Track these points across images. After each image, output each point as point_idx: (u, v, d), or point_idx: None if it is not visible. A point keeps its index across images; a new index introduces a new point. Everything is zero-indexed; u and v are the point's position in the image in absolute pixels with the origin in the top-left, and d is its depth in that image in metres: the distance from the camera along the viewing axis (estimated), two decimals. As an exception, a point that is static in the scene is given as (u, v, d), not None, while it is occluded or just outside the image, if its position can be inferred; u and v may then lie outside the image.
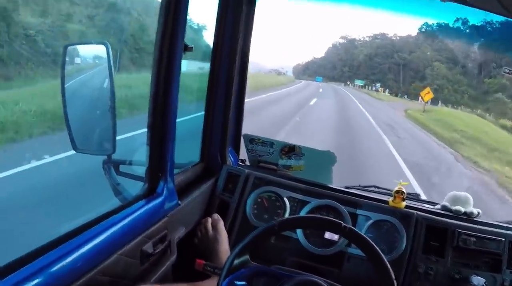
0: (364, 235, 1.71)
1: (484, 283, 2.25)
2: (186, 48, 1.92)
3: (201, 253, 2.30)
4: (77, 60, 2.08)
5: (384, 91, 60.35)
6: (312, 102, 28.35)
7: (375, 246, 1.68)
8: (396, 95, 59.51)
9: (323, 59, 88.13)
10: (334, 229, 1.85)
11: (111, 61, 1.83)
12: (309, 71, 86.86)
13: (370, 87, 63.96)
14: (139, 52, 16.75)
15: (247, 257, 1.66)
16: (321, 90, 48.06)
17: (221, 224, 2.43)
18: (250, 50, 2.72)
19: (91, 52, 2.14)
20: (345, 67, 78.82)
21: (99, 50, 1.91)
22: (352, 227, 1.69)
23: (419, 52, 66.66)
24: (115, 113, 1.83)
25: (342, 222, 1.68)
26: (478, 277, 2.28)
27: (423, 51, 66.07)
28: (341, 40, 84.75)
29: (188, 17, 1.89)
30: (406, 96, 58.89)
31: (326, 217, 2.25)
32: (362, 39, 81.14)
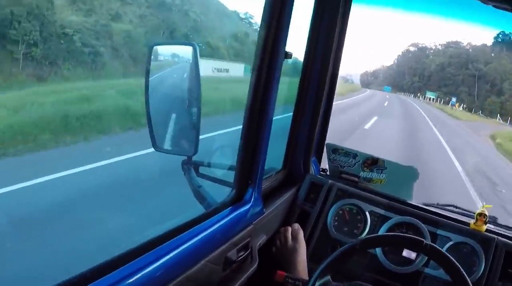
0: (447, 253, 1.65)
1: None
2: (287, 55, 1.89)
3: (278, 262, 2.27)
4: (160, 57, 2.06)
5: (459, 106, 53.39)
6: (368, 125, 19.71)
7: (457, 264, 1.63)
8: (470, 111, 53.77)
9: (392, 67, 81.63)
10: (416, 247, 1.80)
11: (198, 62, 1.82)
12: (378, 79, 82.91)
13: (441, 101, 58.65)
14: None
15: (328, 278, 1.63)
16: (386, 103, 42.19)
17: (301, 235, 2.38)
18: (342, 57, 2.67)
19: (178, 52, 2.12)
20: (415, 77, 72.55)
21: (186, 50, 1.89)
22: (434, 245, 1.65)
23: (495, 63, 59.39)
24: (200, 114, 1.81)
25: (424, 240, 1.64)
26: None
27: (501, 63, 58.72)
28: (412, 48, 78.43)
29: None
30: (480, 112, 53.83)
31: (408, 235, 2.21)
32: (434, 47, 74.40)
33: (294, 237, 2.35)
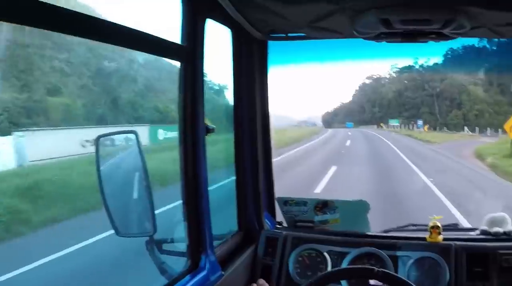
0: (397, 274, 1.74)
1: None
2: (208, 130, 2.04)
3: None
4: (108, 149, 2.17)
5: (425, 127, 54.29)
6: (319, 188, 13.63)
7: (405, 279, 1.72)
8: (435, 129, 54.94)
9: (351, 103, 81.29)
10: (368, 275, 1.85)
11: (141, 146, 1.93)
12: (338, 117, 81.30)
13: (408, 126, 59.98)
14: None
15: None
16: (348, 142, 34.55)
17: None
18: (270, 111, 2.82)
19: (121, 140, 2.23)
20: (374, 107, 73.29)
21: (128, 138, 2.01)
22: (385, 270, 1.71)
23: (450, 79, 61.68)
24: (151, 193, 1.89)
25: (375, 268, 1.70)
26: None
27: (454, 78, 61.10)
28: (367, 81, 79.74)
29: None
30: (445, 127, 55.58)
31: (356, 266, 2.36)
32: (388, 75, 75.99)
33: None
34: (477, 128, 48.84)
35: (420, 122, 57.66)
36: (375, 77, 77.84)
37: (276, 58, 2.88)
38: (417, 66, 68.25)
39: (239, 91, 2.65)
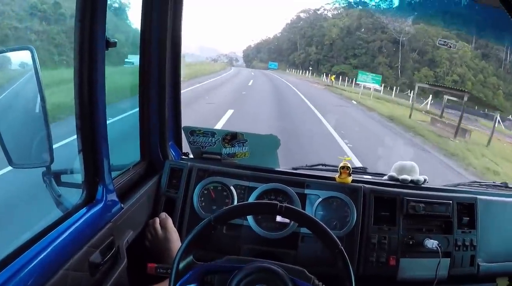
0: (299, 209, 1.74)
1: (438, 244, 2.36)
2: (109, 44, 1.81)
3: (153, 255, 2.27)
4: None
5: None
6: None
7: (309, 215, 1.71)
8: (391, 90, 39.02)
9: (278, 39, 66.58)
10: (271, 211, 1.80)
11: (38, 66, 1.73)
12: (261, 55, 67.95)
13: (349, 81, 41.62)
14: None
15: (190, 258, 1.63)
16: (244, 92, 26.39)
17: (169, 223, 2.39)
18: (184, 39, 2.64)
19: (16, 58, 2.05)
20: (310, 46, 57.43)
21: (24, 55, 1.83)
22: (288, 205, 1.67)
23: (425, 24, 45.42)
24: (48, 120, 1.75)
25: (278, 203, 1.66)
26: (431, 240, 2.39)
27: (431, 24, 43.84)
28: (303, 15, 64.16)
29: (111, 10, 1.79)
30: (410, 91, 37.10)
31: (261, 201, 2.36)
32: (333, 10, 59.47)
33: (163, 227, 2.35)
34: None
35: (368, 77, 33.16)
36: (314, 10, 63.35)
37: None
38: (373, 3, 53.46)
39: (148, 12, 2.45)
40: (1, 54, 2.00)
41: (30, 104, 1.82)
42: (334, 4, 60.87)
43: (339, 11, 59.02)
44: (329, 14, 61.30)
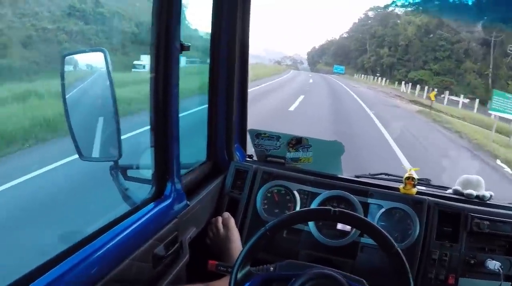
0: (357, 214, 1.71)
1: (500, 266, 2.24)
2: (183, 48, 1.89)
3: (213, 253, 2.32)
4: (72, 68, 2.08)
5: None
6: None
7: (364, 218, 1.70)
8: (484, 105, 28.88)
9: (346, 39, 57.27)
10: (325, 216, 1.83)
11: (110, 67, 1.81)
12: (325, 57, 60.09)
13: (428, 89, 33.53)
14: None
15: (248, 268, 1.64)
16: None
17: (232, 222, 2.43)
18: (251, 41, 2.68)
19: (89, 59, 2.14)
20: (382, 48, 48.98)
21: (97, 57, 1.90)
22: (343, 209, 1.67)
23: None
24: (119, 118, 1.82)
25: (332, 208, 1.66)
26: (494, 261, 2.27)
27: None
28: (371, 13, 55.98)
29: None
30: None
31: (314, 208, 2.33)
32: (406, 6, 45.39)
33: (226, 226, 2.40)
34: None
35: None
36: (383, 7, 52.69)
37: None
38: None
39: (219, 14, 2.52)
40: (75, 55, 2.10)
41: (100, 102, 1.90)
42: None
43: (414, 8, 46.35)
44: (402, 11, 51.40)
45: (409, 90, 37.86)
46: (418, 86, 37.31)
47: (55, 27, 10.50)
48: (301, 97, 23.44)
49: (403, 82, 40.78)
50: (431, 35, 44.87)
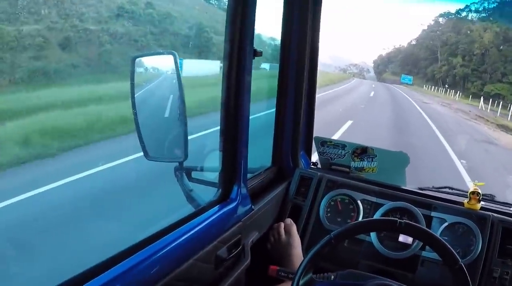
0: (423, 226, 1.67)
1: None
2: (256, 53, 1.91)
3: (274, 258, 2.32)
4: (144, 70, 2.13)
5: None
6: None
7: (435, 234, 1.64)
8: None
9: (414, 47, 53.72)
10: (391, 228, 1.81)
11: (179, 70, 1.87)
12: (392, 66, 55.48)
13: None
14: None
15: (310, 276, 1.63)
16: None
17: (294, 229, 2.42)
18: (320, 48, 2.68)
19: (159, 62, 2.18)
20: (455, 57, 44.08)
21: (167, 60, 1.94)
22: (409, 221, 1.64)
23: None
24: (186, 120, 1.85)
25: (398, 219, 1.63)
26: None
27: None
28: (441, 19, 50.74)
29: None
30: None
31: (381, 218, 2.32)
32: (480, 10, 44.04)
33: (287, 232, 2.39)
34: None
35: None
36: (454, 12, 47.64)
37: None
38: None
39: (289, 21, 2.54)
40: (147, 57, 2.14)
41: (168, 103, 1.93)
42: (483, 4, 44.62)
43: (489, 13, 44.44)
44: (475, 17, 46.86)
45: (489, 107, 33.00)
46: (500, 104, 33.01)
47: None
48: (349, 123, 16.24)
49: (481, 98, 35.81)
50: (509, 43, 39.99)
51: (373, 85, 40.84)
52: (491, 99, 34.59)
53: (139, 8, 12.85)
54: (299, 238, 2.40)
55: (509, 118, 27.67)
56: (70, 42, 9.10)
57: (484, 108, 32.74)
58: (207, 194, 2.01)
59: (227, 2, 1.83)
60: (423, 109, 28.13)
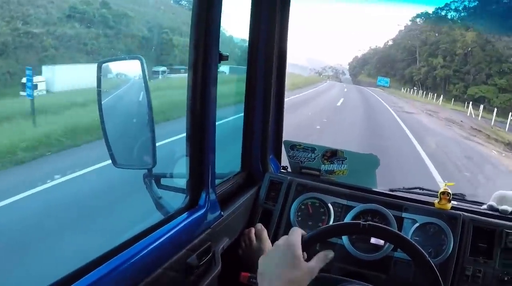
0: (387, 227, 1.67)
1: None
2: (222, 57, 1.90)
3: (245, 264, 2.31)
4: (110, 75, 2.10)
5: None
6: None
7: (395, 230, 1.65)
8: None
9: (391, 47, 51.25)
10: (355, 230, 1.80)
11: (146, 75, 1.85)
12: (368, 67, 53.33)
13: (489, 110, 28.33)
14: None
15: None
16: None
17: (265, 234, 2.41)
18: (291, 50, 2.68)
19: (125, 67, 2.16)
20: (435, 57, 41.78)
21: (133, 65, 1.91)
22: (372, 223, 1.61)
23: None
24: (154, 126, 1.84)
25: (361, 222, 1.60)
26: None
27: None
28: (419, 20, 47.67)
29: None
30: None
31: (344, 222, 2.30)
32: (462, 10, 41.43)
33: (258, 237, 2.38)
34: None
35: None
36: (433, 11, 45.23)
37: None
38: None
39: (257, 24, 2.53)
40: (114, 62, 2.12)
41: (135, 109, 1.91)
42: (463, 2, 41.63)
43: (471, 11, 41.93)
44: (456, 15, 43.97)
45: (480, 114, 30.27)
46: (486, 108, 30.52)
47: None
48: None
49: (470, 103, 32.62)
50: (496, 43, 37.93)
51: (345, 90, 37.26)
52: (471, 103, 32.71)
53: (93, 8, 12.26)
54: (271, 243, 2.39)
55: (507, 129, 25.06)
56: (8, 47, 8.70)
57: (474, 115, 30.51)
58: (176, 201, 1.99)
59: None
60: (405, 121, 22.53)
